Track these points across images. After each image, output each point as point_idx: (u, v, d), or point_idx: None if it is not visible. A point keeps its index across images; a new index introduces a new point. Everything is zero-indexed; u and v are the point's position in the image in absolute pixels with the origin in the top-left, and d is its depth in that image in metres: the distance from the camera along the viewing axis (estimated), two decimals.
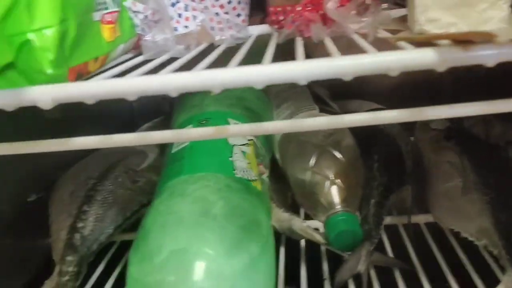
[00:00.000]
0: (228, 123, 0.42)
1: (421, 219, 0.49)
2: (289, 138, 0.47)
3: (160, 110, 0.73)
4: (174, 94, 0.23)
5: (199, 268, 0.29)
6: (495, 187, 0.42)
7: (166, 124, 0.65)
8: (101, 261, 0.46)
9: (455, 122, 0.58)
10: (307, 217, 0.46)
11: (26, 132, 0.37)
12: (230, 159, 0.38)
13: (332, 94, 0.58)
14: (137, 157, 0.51)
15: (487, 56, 0.21)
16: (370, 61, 0.21)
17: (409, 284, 0.40)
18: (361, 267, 0.39)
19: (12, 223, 0.42)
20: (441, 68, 0.21)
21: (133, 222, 0.45)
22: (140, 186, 0.45)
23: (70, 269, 0.37)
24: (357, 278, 0.40)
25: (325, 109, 0.49)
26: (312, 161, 0.43)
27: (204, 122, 0.42)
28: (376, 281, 0.40)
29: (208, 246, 0.30)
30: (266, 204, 0.38)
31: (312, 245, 0.45)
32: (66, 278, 0.36)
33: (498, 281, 0.35)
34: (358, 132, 0.50)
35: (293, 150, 0.46)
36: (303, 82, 0.22)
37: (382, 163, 0.48)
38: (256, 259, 0.31)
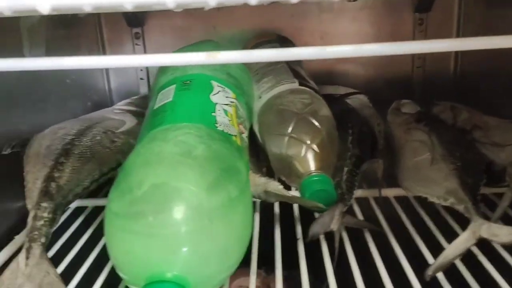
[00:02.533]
0: (212, 86, 0.43)
1: (390, 192, 0.50)
2: (269, 106, 0.48)
3: (134, 92, 0.74)
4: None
5: (179, 200, 0.29)
6: (461, 158, 0.44)
7: (144, 101, 0.66)
8: (71, 225, 0.46)
9: (425, 108, 0.61)
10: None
11: None
12: (213, 114, 0.39)
13: None
14: (115, 122, 0.51)
15: None
16: None
17: (379, 246, 0.41)
18: (334, 226, 0.40)
19: None
20: None
21: (107, 182, 0.45)
22: (118, 146, 0.46)
23: (45, 214, 0.36)
24: (329, 239, 0.41)
25: (304, 84, 0.50)
26: (290, 128, 0.45)
27: (187, 82, 0.43)
28: (347, 242, 0.41)
29: (188, 181, 0.30)
30: (245, 158, 0.39)
31: (286, 210, 0.46)
32: (41, 222, 0.36)
33: None
34: (334, 111, 0.52)
35: (272, 118, 0.47)
36: None
37: (356, 137, 0.50)
38: (234, 200, 0.32)
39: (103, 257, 0.40)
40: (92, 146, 0.43)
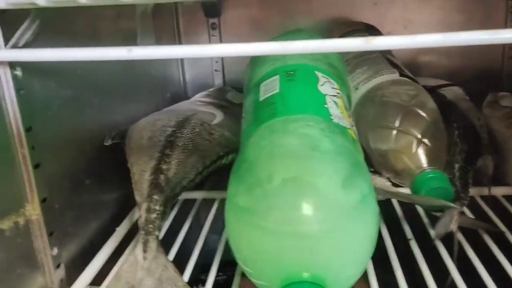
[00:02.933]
0: (316, 76, 0.41)
1: (498, 191, 0.47)
2: (369, 98, 0.46)
3: (209, 84, 0.73)
4: None
5: (317, 196, 0.28)
6: None
7: (221, 93, 0.65)
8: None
9: None
10: None
11: None
12: (325, 106, 0.37)
13: None
14: (207, 115, 0.50)
15: None
16: None
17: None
18: (453, 226, 0.37)
19: (92, 167, 0.42)
20: None
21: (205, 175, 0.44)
22: (216, 139, 0.45)
23: (157, 207, 0.36)
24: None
25: (405, 74, 0.47)
26: (398, 121, 0.42)
27: (291, 73, 0.41)
28: (465, 243, 0.38)
29: (323, 177, 0.29)
30: (361, 153, 0.37)
31: (387, 207, 0.44)
32: (154, 215, 0.35)
33: None
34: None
35: (374, 110, 0.45)
36: None
37: (462, 131, 0.46)
38: (366, 198, 0.30)
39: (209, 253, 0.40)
40: (194, 138, 0.42)
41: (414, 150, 0.41)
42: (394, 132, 0.42)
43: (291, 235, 0.27)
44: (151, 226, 0.35)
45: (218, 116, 0.51)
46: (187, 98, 0.69)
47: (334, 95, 0.40)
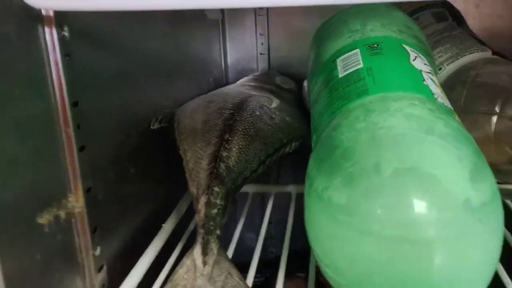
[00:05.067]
0: (406, 50, 0.34)
1: None
2: (459, 80, 0.39)
3: (252, 69, 0.67)
4: None
5: (438, 193, 0.21)
6: None
7: (270, 77, 0.59)
8: None
9: None
10: None
11: None
12: (424, 83, 0.30)
13: None
14: (264, 98, 0.44)
15: None
16: None
17: None
18: None
19: (138, 153, 0.36)
20: None
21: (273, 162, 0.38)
22: (277, 123, 0.38)
23: (218, 201, 0.30)
24: None
25: (497, 53, 0.40)
26: (498, 105, 0.35)
27: (375, 46, 0.34)
28: None
29: (448, 168, 0.22)
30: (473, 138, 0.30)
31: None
32: (215, 211, 0.29)
33: None
34: None
35: (467, 93, 0.38)
36: None
37: None
38: (496, 194, 0.23)
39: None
40: (254, 122, 0.36)
41: None
42: (495, 118, 0.35)
43: (409, 244, 0.21)
44: (212, 223, 0.29)
45: (276, 101, 0.45)
46: (228, 83, 0.64)
47: (429, 72, 0.33)
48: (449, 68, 0.40)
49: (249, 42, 0.66)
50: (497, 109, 0.35)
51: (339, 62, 0.35)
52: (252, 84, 0.54)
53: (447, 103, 0.30)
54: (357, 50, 0.35)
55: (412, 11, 0.51)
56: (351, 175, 0.23)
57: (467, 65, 0.39)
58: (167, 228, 0.37)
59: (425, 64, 0.34)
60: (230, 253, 0.35)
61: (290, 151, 0.38)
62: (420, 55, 0.35)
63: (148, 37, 0.39)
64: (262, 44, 0.66)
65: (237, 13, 0.65)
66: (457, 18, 0.50)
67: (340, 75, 0.33)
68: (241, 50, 0.67)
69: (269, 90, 0.51)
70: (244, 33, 0.66)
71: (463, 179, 0.22)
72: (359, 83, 0.30)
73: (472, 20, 0.62)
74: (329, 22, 0.42)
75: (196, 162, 0.33)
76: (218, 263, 0.28)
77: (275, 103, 0.43)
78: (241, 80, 0.58)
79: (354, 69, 0.33)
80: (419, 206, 0.21)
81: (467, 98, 0.37)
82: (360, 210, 0.22)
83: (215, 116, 0.36)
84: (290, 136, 0.38)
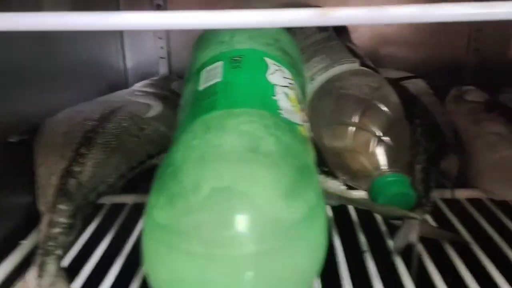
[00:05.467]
0: (266, 64, 0.35)
1: (461, 194, 0.43)
2: (326, 91, 0.40)
3: (153, 73, 0.66)
4: None
5: (252, 211, 0.22)
6: None
7: (166, 82, 0.58)
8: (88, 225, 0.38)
9: (492, 96, 0.53)
10: None
11: None
12: (273, 97, 0.31)
13: None
14: (141, 106, 0.43)
15: None
16: None
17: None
18: (413, 237, 0.33)
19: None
20: None
21: (132, 179, 0.37)
22: (147, 135, 0.38)
23: (62, 219, 0.29)
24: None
25: (366, 64, 0.42)
26: (357, 116, 0.37)
27: (237, 59, 0.35)
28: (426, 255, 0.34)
29: (262, 186, 0.23)
30: (312, 153, 0.31)
31: (343, 215, 0.39)
32: (57, 230, 0.28)
33: None
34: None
35: (332, 104, 0.39)
36: None
37: (425, 128, 0.42)
38: (314, 210, 0.24)
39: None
40: (119, 134, 0.35)
41: (372, 149, 0.36)
42: (352, 128, 0.37)
43: (221, 260, 0.21)
44: (51, 244, 0.28)
45: (155, 108, 0.44)
46: (128, 88, 0.62)
47: (286, 86, 0.34)
48: (320, 79, 0.42)
49: (148, 46, 0.65)
50: (354, 119, 0.37)
51: (204, 73, 0.35)
52: (144, 89, 0.53)
53: (294, 117, 0.31)
54: (221, 63, 0.35)
55: None
56: (173, 195, 0.23)
57: (335, 76, 0.41)
58: (26, 245, 0.35)
59: (286, 77, 0.35)
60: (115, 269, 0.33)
61: (159, 162, 0.38)
62: (283, 68, 0.36)
63: (13, 44, 0.37)
64: (162, 48, 0.65)
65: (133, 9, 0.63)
66: (339, 28, 0.52)
67: (200, 88, 0.33)
68: (140, 53, 0.65)
69: (161, 96, 0.50)
70: (144, 37, 0.64)
71: (277, 197, 0.23)
72: (212, 98, 0.30)
73: (364, 28, 0.65)
74: (206, 31, 0.42)
75: (46, 177, 0.31)
76: (54, 285, 0.27)
77: (153, 111, 0.43)
78: (136, 84, 0.57)
79: (212, 82, 0.33)
80: (230, 225, 0.22)
81: (331, 109, 0.39)
82: (179, 230, 0.22)
83: (77, 127, 0.35)
84: (160, 148, 0.38)
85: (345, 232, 0.37)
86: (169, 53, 0.65)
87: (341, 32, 0.51)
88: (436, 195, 0.43)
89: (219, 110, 0.29)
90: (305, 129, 0.32)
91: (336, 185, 0.37)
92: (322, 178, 0.37)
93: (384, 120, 0.37)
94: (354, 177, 0.37)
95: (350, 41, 0.50)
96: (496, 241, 0.36)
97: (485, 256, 0.34)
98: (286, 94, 0.33)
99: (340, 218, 0.38)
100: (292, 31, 0.51)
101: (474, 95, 0.52)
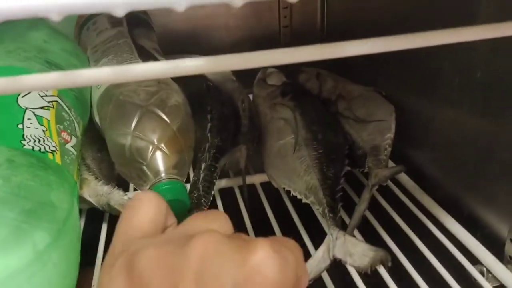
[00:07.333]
0: None
1: (256, 179, 0.47)
2: (107, 98, 0.40)
3: None
4: None
5: None
6: (324, 143, 0.42)
7: None
8: None
9: (291, 76, 0.57)
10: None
11: None
12: (19, 126, 0.30)
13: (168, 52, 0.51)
14: None
15: None
16: None
17: None
18: None
19: None
20: None
21: None
22: None
23: None
24: None
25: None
26: (133, 124, 0.38)
27: None
28: None
29: None
30: (68, 180, 0.31)
31: None
32: None
33: None
34: (191, 89, 0.46)
35: (112, 112, 0.39)
36: None
37: (216, 123, 0.44)
38: (45, 251, 0.25)
39: None
40: None
41: (150, 157, 0.37)
42: (129, 137, 0.37)
43: None
44: None
45: None
46: None
47: (42, 107, 0.33)
48: (104, 85, 0.41)
49: None
50: (131, 127, 0.37)
51: None
52: None
53: (44, 144, 0.30)
54: None
55: (91, 15, 0.50)
56: None
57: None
58: None
59: (45, 96, 0.34)
60: None
61: None
62: None
63: None
64: None
65: None
66: (139, 18, 0.51)
67: None
68: None
69: None
70: None
71: None
72: None
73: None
74: None
75: None
76: None
77: None
78: None
79: None
80: None
81: (112, 117, 0.39)
82: None
83: None
84: None
85: None
86: None
87: (142, 23, 0.50)
88: (234, 183, 0.46)
89: None
90: (62, 154, 0.32)
91: (119, 196, 0.37)
92: (107, 189, 0.38)
93: (161, 127, 0.38)
94: (140, 182, 0.38)
95: (149, 35, 0.49)
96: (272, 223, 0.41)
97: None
98: (39, 117, 0.32)
99: None
100: (86, 27, 0.49)
101: (275, 78, 0.56)
